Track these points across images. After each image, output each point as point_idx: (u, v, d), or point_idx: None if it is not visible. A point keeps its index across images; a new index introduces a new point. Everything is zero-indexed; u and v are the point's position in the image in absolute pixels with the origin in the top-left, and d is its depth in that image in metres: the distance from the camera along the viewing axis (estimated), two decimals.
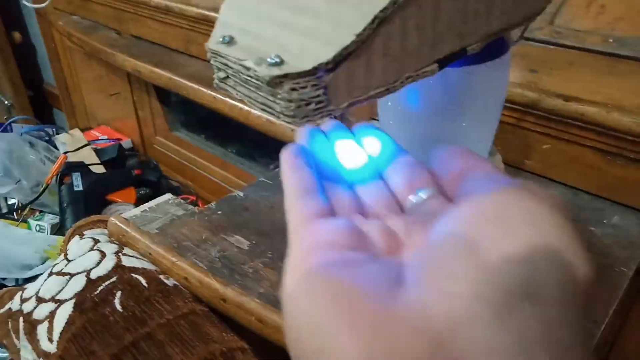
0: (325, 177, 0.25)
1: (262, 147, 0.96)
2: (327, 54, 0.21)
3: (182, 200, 0.51)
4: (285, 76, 0.21)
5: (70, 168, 0.95)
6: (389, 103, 0.33)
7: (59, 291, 0.42)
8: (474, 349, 0.15)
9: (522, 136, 0.48)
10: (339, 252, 0.20)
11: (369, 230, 0.22)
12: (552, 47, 0.52)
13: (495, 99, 0.32)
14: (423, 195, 0.23)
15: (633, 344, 0.51)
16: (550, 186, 0.48)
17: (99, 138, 1.17)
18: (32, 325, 0.40)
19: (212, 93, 0.73)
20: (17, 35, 1.59)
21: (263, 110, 0.23)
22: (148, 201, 0.51)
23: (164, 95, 1.04)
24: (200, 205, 0.97)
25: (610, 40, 0.50)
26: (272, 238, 0.44)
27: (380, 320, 0.16)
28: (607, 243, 0.41)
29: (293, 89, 0.21)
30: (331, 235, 0.20)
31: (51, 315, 0.40)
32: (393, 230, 0.22)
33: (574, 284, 0.16)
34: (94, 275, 0.42)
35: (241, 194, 0.50)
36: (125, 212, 0.50)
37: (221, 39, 0.24)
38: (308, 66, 0.21)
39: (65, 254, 0.46)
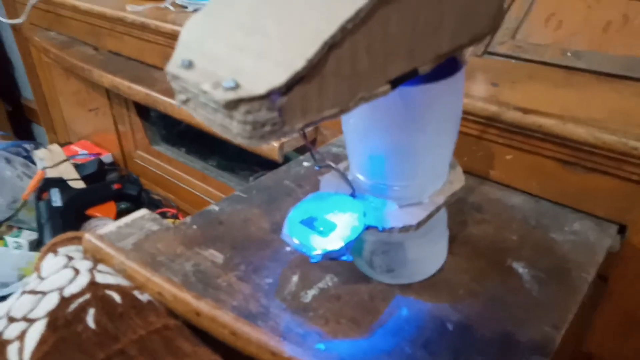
0: None
1: (242, 160, 0.97)
2: (279, 78, 0.22)
3: (157, 216, 0.52)
4: (240, 100, 0.22)
5: (48, 184, 0.95)
6: (351, 120, 0.34)
7: (31, 310, 0.42)
8: None
9: (485, 147, 0.50)
10: None
11: None
12: (513, 60, 0.54)
13: (452, 114, 0.34)
14: None
15: (596, 349, 0.53)
16: (513, 195, 0.50)
17: (79, 153, 1.17)
18: (2, 346, 0.40)
19: None
20: None
21: (222, 132, 0.24)
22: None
23: (144, 110, 1.05)
24: (180, 218, 0.97)
25: (568, 54, 0.52)
26: (245, 251, 0.44)
27: None
28: (568, 249, 0.43)
29: (248, 112, 0.22)
30: None
31: (22, 335, 0.40)
32: None
33: None
34: (67, 293, 0.42)
35: (216, 207, 0.51)
36: (104, 226, 0.50)
37: (180, 62, 0.25)
38: (262, 90, 0.22)
39: (39, 272, 0.46)
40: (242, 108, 0.22)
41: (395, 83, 0.26)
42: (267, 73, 0.22)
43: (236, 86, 0.22)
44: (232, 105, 0.22)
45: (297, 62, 0.22)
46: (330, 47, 0.23)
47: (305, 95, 0.23)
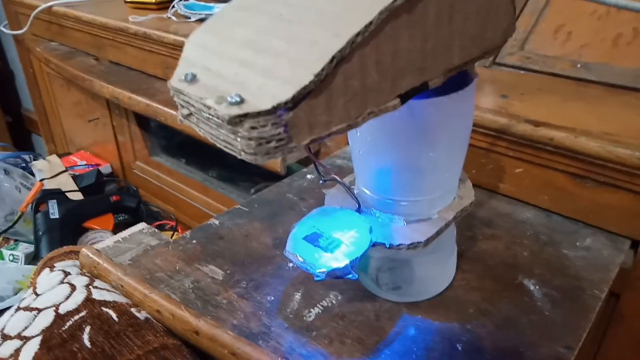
0: None
1: (243, 172, 0.96)
2: (286, 93, 0.21)
3: (156, 230, 0.50)
4: (245, 115, 0.21)
5: (46, 195, 0.93)
6: (358, 134, 0.33)
7: (26, 327, 0.41)
8: None
9: (495, 160, 0.49)
10: None
11: None
12: (522, 72, 0.53)
13: (461, 129, 0.33)
14: None
15: None
16: (523, 209, 0.48)
17: (78, 164, 1.16)
18: None
19: None
20: None
21: (225, 147, 0.23)
22: (127, 227, 0.50)
23: (144, 120, 1.04)
24: (179, 230, 0.96)
25: (578, 66, 0.51)
26: (246, 267, 0.43)
27: None
28: (580, 266, 0.41)
29: (253, 128, 0.21)
30: None
31: (16, 354, 0.39)
32: None
33: None
34: (62, 309, 0.41)
35: (216, 222, 0.50)
36: (102, 239, 0.49)
37: (184, 77, 0.24)
38: (268, 105, 0.21)
39: (34, 288, 0.45)
40: (247, 124, 0.21)
41: (405, 97, 0.25)
42: (272, 88, 0.21)
43: (241, 101, 0.21)
44: (236, 121, 0.21)
45: (304, 77, 0.21)
46: (339, 61, 0.22)
47: (312, 110, 0.22)
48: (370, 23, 0.21)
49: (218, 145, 0.23)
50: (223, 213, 0.51)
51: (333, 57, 0.21)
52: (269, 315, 0.38)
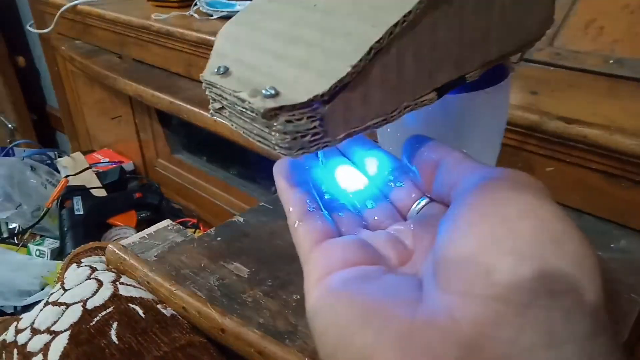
0: (322, 195, 0.26)
1: (264, 170, 0.96)
2: (322, 86, 0.20)
3: (181, 226, 0.51)
4: (281, 108, 0.20)
5: (71, 192, 0.95)
6: (388, 129, 0.32)
7: (55, 322, 0.41)
8: (504, 349, 0.15)
9: (525, 158, 0.48)
10: (355, 269, 0.21)
11: (377, 242, 0.23)
12: (552, 68, 0.52)
13: (495, 125, 0.32)
14: (422, 201, 0.24)
15: None
16: None
17: (101, 161, 1.17)
18: (26, 358, 0.39)
19: None
20: (21, 60, 1.62)
21: (259, 142, 0.23)
22: (149, 224, 0.51)
23: (166, 118, 1.05)
24: (201, 228, 0.96)
25: (611, 62, 0.49)
26: (271, 265, 0.43)
27: (410, 327, 0.17)
28: (615, 268, 0.40)
29: (288, 121, 0.21)
30: (344, 253, 0.21)
31: (46, 348, 0.39)
32: (400, 239, 0.23)
33: (584, 272, 0.17)
34: (90, 305, 0.42)
35: (241, 219, 0.50)
36: (125, 235, 0.50)
37: (216, 70, 0.24)
38: (303, 98, 0.20)
39: (62, 283, 0.46)
40: (282, 117, 0.21)
41: (441, 91, 0.25)
42: (308, 80, 0.21)
43: (276, 94, 0.21)
44: (271, 114, 0.21)
45: (341, 69, 0.21)
46: (376, 52, 0.21)
47: (348, 103, 0.21)
48: (409, 13, 0.21)
49: (251, 139, 0.23)
50: (247, 210, 0.51)
51: (371, 48, 0.20)
52: (295, 315, 0.37)
